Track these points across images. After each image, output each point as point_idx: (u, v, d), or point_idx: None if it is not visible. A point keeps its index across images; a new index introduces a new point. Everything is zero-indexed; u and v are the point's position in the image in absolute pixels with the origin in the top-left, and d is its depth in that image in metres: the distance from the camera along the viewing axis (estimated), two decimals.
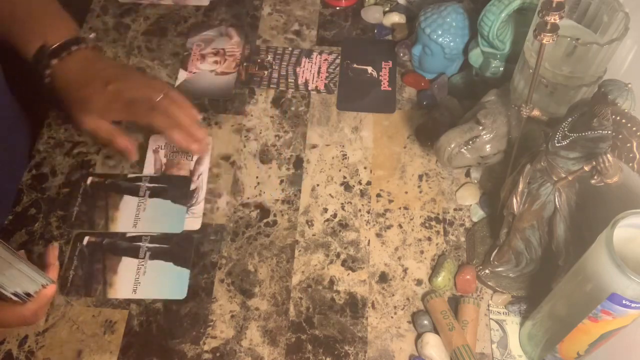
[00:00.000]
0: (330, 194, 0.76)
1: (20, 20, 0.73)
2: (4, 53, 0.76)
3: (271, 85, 0.85)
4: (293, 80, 0.86)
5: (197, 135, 0.69)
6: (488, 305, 0.68)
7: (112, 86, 0.69)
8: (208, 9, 0.94)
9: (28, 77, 0.75)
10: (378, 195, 0.76)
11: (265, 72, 0.87)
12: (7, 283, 0.54)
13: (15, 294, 0.55)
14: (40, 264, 0.61)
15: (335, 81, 0.86)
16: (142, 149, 0.78)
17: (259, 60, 0.88)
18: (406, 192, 0.76)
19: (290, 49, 0.89)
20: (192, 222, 0.73)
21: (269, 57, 0.88)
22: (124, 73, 0.72)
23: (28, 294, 0.56)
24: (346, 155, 0.79)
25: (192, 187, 0.76)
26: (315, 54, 0.89)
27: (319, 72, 0.87)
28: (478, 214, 0.74)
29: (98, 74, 0.70)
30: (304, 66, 0.87)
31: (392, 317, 0.67)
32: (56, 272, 0.61)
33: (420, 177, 0.77)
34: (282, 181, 0.77)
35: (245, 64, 0.88)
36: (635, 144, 0.52)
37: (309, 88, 0.85)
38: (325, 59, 0.88)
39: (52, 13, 0.75)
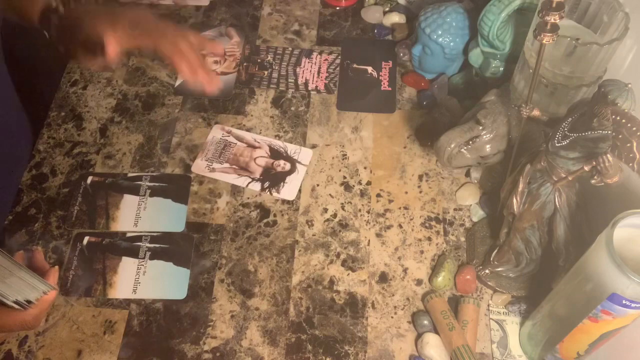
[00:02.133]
0: (330, 194, 0.76)
1: None
2: (8, 52, 0.76)
3: (271, 85, 0.85)
4: (293, 80, 0.86)
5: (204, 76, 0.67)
6: (488, 305, 0.68)
7: (127, 17, 0.67)
8: (208, 9, 0.94)
9: (28, 78, 0.75)
10: (378, 195, 0.76)
11: (265, 72, 0.87)
12: (8, 291, 0.54)
13: (17, 302, 0.55)
14: (39, 267, 0.61)
15: (335, 81, 0.86)
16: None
17: (259, 60, 0.88)
18: (406, 192, 0.76)
19: (290, 49, 0.89)
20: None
21: (269, 57, 0.88)
22: (144, 14, 0.69)
23: (29, 301, 0.56)
24: (346, 155, 0.79)
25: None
26: (315, 54, 0.89)
27: (319, 72, 0.87)
28: (478, 214, 0.74)
29: (114, 12, 0.68)
30: (304, 66, 0.87)
31: (392, 317, 0.67)
32: (56, 277, 0.60)
33: (420, 177, 0.77)
34: None
35: (245, 64, 0.88)
36: (635, 144, 0.52)
37: (309, 88, 0.85)
38: (326, 59, 0.88)
39: None
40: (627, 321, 0.52)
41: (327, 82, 0.86)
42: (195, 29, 0.91)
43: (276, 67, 0.87)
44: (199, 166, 0.78)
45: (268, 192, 0.75)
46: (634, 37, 0.62)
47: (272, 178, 0.76)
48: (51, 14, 0.69)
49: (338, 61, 0.88)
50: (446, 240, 0.73)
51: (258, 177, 0.76)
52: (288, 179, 0.76)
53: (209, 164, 0.78)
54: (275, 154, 0.78)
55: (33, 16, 0.70)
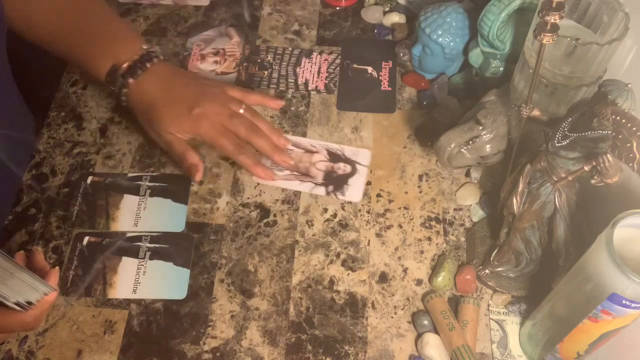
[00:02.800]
0: None
1: (86, 37, 0.73)
2: (7, 52, 0.76)
3: (271, 85, 0.85)
4: (293, 80, 0.86)
5: (280, 143, 0.76)
6: (488, 305, 0.68)
7: (197, 110, 0.71)
8: (208, 9, 0.94)
9: (28, 78, 0.75)
10: (378, 195, 0.76)
11: (265, 72, 0.87)
12: (9, 293, 0.54)
13: (18, 304, 0.55)
14: (39, 268, 0.61)
15: (335, 81, 0.86)
16: None
17: (259, 60, 0.88)
18: (406, 192, 0.76)
19: (290, 49, 0.89)
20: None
21: (269, 57, 0.88)
22: (204, 92, 0.74)
23: (30, 303, 0.56)
24: None
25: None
26: (315, 54, 0.89)
27: (319, 72, 0.87)
28: (478, 214, 0.74)
29: (181, 94, 0.72)
30: (304, 66, 0.87)
31: (392, 317, 0.67)
32: (57, 278, 0.60)
33: (420, 177, 0.77)
34: None
35: (245, 64, 0.88)
36: (635, 144, 0.52)
37: (309, 88, 0.85)
38: (326, 59, 0.88)
39: (117, 28, 0.75)
40: (627, 321, 0.52)
41: (327, 82, 0.86)
42: (195, 29, 0.91)
43: (276, 67, 0.87)
44: (263, 174, 0.75)
45: (333, 196, 0.74)
46: (634, 37, 0.62)
47: (335, 181, 0.76)
48: (117, 75, 0.72)
49: (338, 61, 0.88)
50: (446, 240, 0.73)
51: (321, 181, 0.76)
52: (350, 181, 0.76)
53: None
54: (333, 157, 0.78)
55: (98, 74, 0.73)
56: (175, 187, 0.76)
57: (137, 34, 0.76)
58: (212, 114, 0.72)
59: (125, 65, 0.72)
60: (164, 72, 0.73)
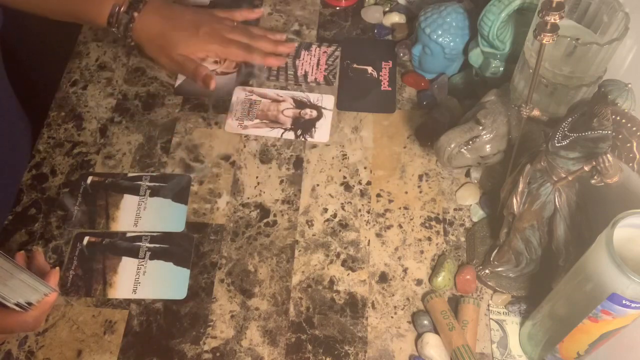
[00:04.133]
0: (330, 194, 0.76)
1: None
2: (8, 52, 0.76)
3: (271, 78, 0.86)
4: (293, 73, 0.87)
5: (277, 38, 0.87)
6: (488, 305, 0.68)
7: (202, 30, 0.81)
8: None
9: (28, 78, 0.75)
10: (378, 195, 0.76)
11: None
12: (9, 294, 0.54)
13: (18, 304, 0.55)
14: (39, 268, 0.61)
15: (334, 73, 0.86)
16: None
17: None
18: (406, 192, 0.76)
19: (289, 41, 0.90)
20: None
21: None
22: (201, 16, 0.83)
23: (30, 303, 0.56)
24: (346, 155, 0.79)
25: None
26: (314, 46, 0.89)
27: (318, 64, 0.87)
28: (478, 214, 0.74)
29: (183, 20, 0.81)
30: (303, 59, 0.88)
31: (392, 317, 0.67)
32: (57, 278, 0.60)
33: (420, 177, 0.77)
34: (282, 181, 0.77)
35: None
36: (635, 144, 0.52)
37: (308, 80, 0.86)
38: (325, 52, 0.89)
39: None
40: (627, 321, 0.52)
41: (326, 74, 0.86)
42: None
43: None
44: (231, 126, 0.81)
45: (302, 138, 0.80)
46: (634, 37, 0.62)
47: (302, 125, 0.81)
48: (120, 16, 0.78)
49: (337, 53, 0.89)
50: (446, 240, 0.73)
51: (289, 127, 0.81)
52: (317, 124, 0.81)
53: (240, 122, 0.81)
54: (299, 104, 0.83)
55: (99, 19, 0.78)
56: (175, 188, 0.76)
57: None
58: (215, 31, 0.82)
59: (126, 2, 0.78)
60: (160, 4, 0.81)
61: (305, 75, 0.86)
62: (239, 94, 0.84)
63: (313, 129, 0.81)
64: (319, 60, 0.88)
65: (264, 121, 0.81)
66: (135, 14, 0.78)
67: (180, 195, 0.75)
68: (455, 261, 0.70)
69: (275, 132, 0.80)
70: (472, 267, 0.69)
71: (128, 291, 0.68)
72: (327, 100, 0.83)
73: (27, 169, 0.77)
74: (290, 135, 0.80)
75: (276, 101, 0.83)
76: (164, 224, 0.73)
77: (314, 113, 0.82)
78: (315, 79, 0.86)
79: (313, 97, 0.84)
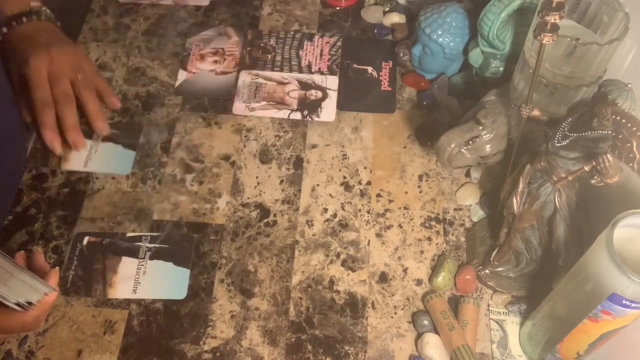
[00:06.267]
0: (330, 194, 0.76)
1: None
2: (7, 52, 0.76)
3: (275, 68, 0.87)
4: (297, 63, 0.87)
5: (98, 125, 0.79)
6: (488, 305, 0.68)
7: (54, 50, 0.76)
8: (208, 9, 0.94)
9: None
10: (378, 195, 0.76)
11: (269, 56, 0.88)
12: (9, 294, 0.54)
13: (18, 304, 0.55)
14: (39, 268, 0.61)
15: (337, 63, 0.87)
16: None
17: (262, 45, 0.89)
18: (406, 192, 0.76)
19: (292, 32, 0.90)
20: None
21: (272, 42, 0.90)
22: (66, 46, 0.78)
23: (30, 303, 0.56)
24: (346, 155, 0.79)
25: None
26: (317, 37, 0.90)
27: (321, 54, 0.88)
28: (478, 214, 0.74)
29: (45, 40, 0.77)
30: (306, 49, 0.89)
31: (392, 317, 0.67)
32: (57, 278, 0.60)
33: (420, 177, 0.77)
34: (282, 181, 0.77)
35: (248, 48, 0.89)
36: (635, 144, 0.52)
37: (312, 70, 0.87)
38: (327, 42, 0.90)
39: None
40: (627, 321, 0.52)
41: (329, 63, 0.87)
42: (195, 29, 0.91)
43: (279, 51, 0.89)
44: (239, 108, 0.83)
45: (309, 118, 0.82)
46: (634, 37, 0.62)
47: (308, 106, 0.83)
48: None
49: (340, 44, 0.90)
50: (446, 240, 0.73)
51: (296, 107, 0.83)
52: (323, 104, 0.83)
53: (247, 104, 0.83)
54: (304, 85, 0.85)
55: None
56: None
57: None
58: (62, 61, 0.76)
59: (4, 16, 0.76)
60: (39, 28, 0.78)
61: (310, 66, 0.87)
62: (245, 78, 0.86)
63: (319, 109, 0.82)
64: (322, 50, 0.89)
65: (271, 103, 0.83)
66: (4, 30, 0.77)
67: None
68: (455, 261, 0.70)
69: (282, 113, 0.82)
70: (472, 267, 0.69)
71: (128, 291, 0.68)
72: (331, 82, 0.86)
73: (27, 169, 0.77)
74: (297, 115, 0.82)
75: (282, 83, 0.85)
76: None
77: (319, 94, 0.84)
78: (319, 68, 0.87)
79: (317, 79, 0.86)
